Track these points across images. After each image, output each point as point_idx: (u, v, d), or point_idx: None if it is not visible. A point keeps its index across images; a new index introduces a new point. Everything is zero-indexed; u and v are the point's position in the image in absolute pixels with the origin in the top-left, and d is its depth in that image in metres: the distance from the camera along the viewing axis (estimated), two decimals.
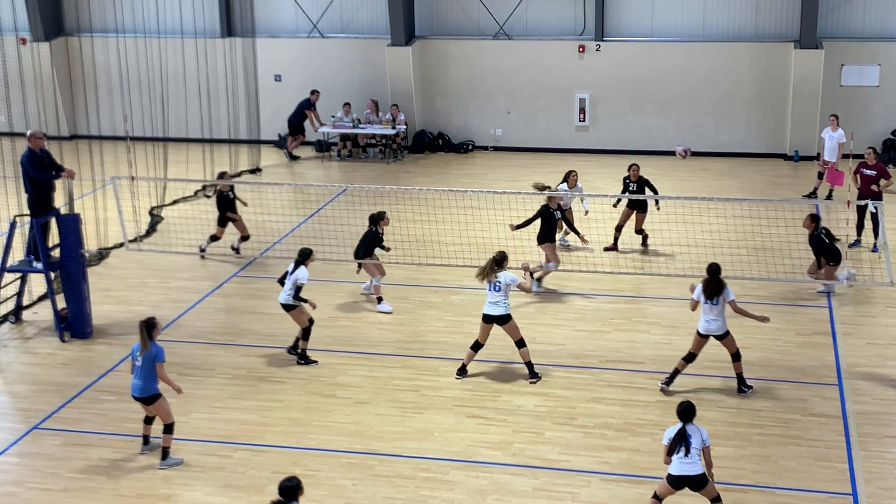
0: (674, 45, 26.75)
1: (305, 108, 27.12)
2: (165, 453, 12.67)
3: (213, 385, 14.76)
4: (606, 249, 19.58)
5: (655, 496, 11.18)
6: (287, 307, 15.21)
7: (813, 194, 22.87)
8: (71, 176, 16.49)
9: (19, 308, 17.23)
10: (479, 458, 12.75)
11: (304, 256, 15.25)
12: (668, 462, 11.03)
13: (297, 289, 15.00)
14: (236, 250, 19.92)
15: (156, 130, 25.74)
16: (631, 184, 19.39)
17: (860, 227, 19.56)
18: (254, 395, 14.48)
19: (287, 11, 28.69)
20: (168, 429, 12.65)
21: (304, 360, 15.35)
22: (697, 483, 10.96)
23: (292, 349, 15.56)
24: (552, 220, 17.61)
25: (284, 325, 16.75)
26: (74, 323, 16.44)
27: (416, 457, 12.76)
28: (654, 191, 19.44)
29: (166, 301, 17.86)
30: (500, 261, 14.54)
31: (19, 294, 17.22)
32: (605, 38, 26.99)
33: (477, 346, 14.71)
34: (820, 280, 16.99)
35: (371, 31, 28.38)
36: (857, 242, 19.53)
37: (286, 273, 15.28)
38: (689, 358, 14.11)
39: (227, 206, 19.74)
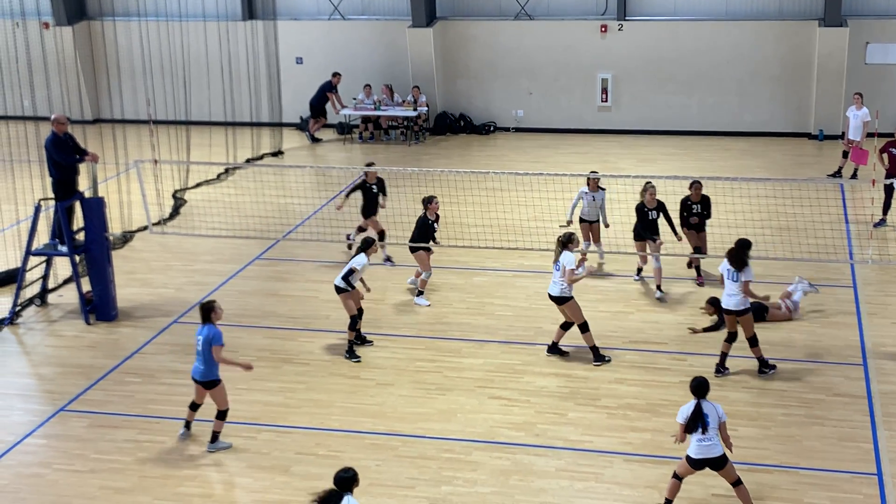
0: (697, 23, 26.56)
1: (327, 91, 27.13)
2: (215, 437, 12.64)
3: (237, 367, 14.79)
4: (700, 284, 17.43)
5: (676, 476, 11.18)
6: (338, 289, 15.01)
7: (837, 173, 22.70)
8: (95, 160, 16.56)
9: (45, 291, 17.36)
10: (501, 438, 12.77)
11: (367, 245, 14.94)
12: (683, 440, 11.00)
13: (350, 272, 14.78)
14: (349, 238, 18.88)
15: (178, 114, 25.84)
16: (694, 205, 17.21)
17: (887, 207, 19.40)
18: (277, 376, 14.55)
19: None
20: (222, 415, 12.59)
21: (350, 353, 14.94)
22: (718, 464, 10.94)
23: (352, 347, 15.07)
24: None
25: (307, 306, 16.83)
26: (99, 306, 16.55)
27: (439, 438, 12.80)
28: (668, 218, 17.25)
29: (190, 283, 17.95)
30: (564, 242, 14.42)
31: (45, 277, 17.34)
32: (627, 18, 26.83)
33: (563, 325, 14.74)
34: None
35: (392, 13, 28.33)
36: (882, 222, 19.39)
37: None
38: (731, 338, 14.04)
39: (365, 195, 18.49)
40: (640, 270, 17.55)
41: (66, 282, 17.79)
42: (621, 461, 12.19)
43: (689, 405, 10.96)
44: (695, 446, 10.90)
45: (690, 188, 17.14)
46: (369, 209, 18.52)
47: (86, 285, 16.70)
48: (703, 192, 17.24)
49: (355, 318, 15.00)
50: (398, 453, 12.44)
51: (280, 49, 27.12)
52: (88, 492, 11.95)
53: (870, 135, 21.42)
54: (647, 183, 16.93)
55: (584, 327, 14.48)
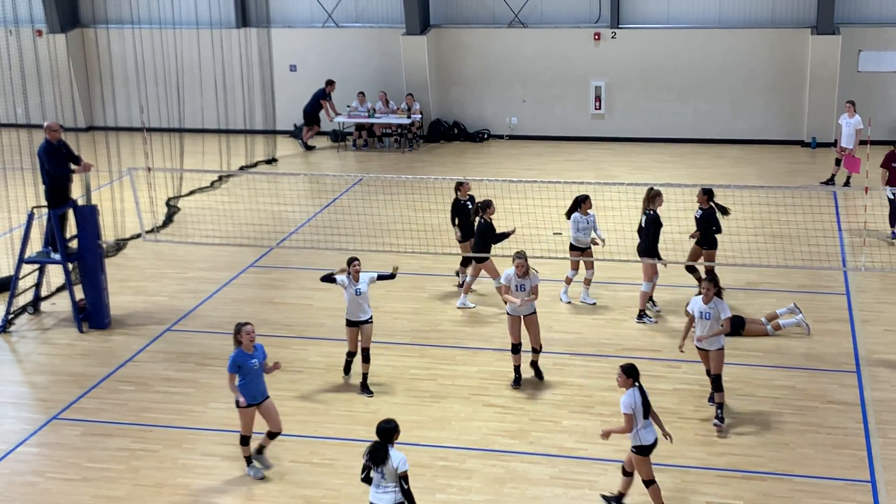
0: (690, 31, 26.62)
1: (321, 98, 27.14)
2: (260, 450, 12.37)
3: None
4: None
5: (628, 473, 11.30)
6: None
7: (830, 181, 22.75)
8: (87, 169, 16.56)
9: (38, 299, 17.32)
10: (496, 446, 12.77)
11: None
12: (631, 429, 10.92)
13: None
14: (458, 276, 17.73)
15: (172, 121, 25.81)
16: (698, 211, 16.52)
17: (894, 218, 19.29)
18: (272, 384, 14.41)
19: (302, 1, 28.67)
20: (242, 440, 12.20)
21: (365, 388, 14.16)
22: (654, 445, 11.12)
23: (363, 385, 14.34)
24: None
25: (302, 314, 16.81)
26: (92, 313, 16.51)
27: (433, 445, 12.78)
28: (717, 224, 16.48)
29: (183, 291, 17.93)
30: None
31: (37, 285, 17.30)
32: (620, 26, 26.89)
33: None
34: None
35: (386, 21, 28.35)
36: (894, 234, 19.27)
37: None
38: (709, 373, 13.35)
39: (461, 215, 17.35)
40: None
41: (59, 290, 17.76)
42: (615, 469, 12.15)
43: (631, 394, 10.89)
44: (646, 432, 10.96)
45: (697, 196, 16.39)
46: (468, 230, 17.21)
47: (79, 293, 16.67)
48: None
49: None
50: None
51: (274, 56, 27.12)
52: (82, 500, 11.91)
53: (862, 143, 21.46)
54: (651, 189, 16.05)
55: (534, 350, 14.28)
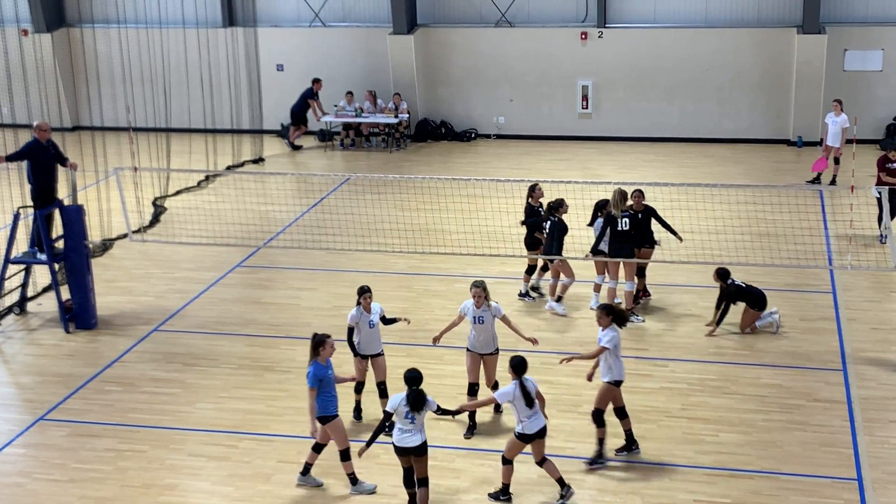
0: (676, 31, 26.67)
1: (308, 97, 27.10)
2: (353, 479, 11.94)
3: (218, 375, 14.78)
4: (637, 300, 16.62)
5: (508, 461, 11.55)
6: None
7: (817, 180, 22.83)
8: (73, 168, 16.52)
9: (24, 299, 17.26)
10: (484, 446, 12.77)
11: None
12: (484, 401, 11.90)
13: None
14: (536, 290, 17.36)
15: (158, 121, 25.74)
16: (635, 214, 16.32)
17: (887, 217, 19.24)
18: (259, 384, 14.50)
19: (289, 1, 28.63)
20: (342, 455, 11.85)
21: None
22: (544, 433, 11.43)
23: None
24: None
25: (289, 314, 16.79)
26: (79, 314, 16.46)
27: None
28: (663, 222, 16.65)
29: (171, 291, 17.88)
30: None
31: (24, 285, 17.24)
32: (607, 25, 26.92)
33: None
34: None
35: (373, 20, 28.33)
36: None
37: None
38: (619, 414, 12.51)
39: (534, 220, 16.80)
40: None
41: (45, 290, 17.69)
42: (603, 468, 12.20)
43: (511, 388, 11.23)
44: (529, 422, 11.23)
45: (631, 196, 16.12)
46: (535, 237, 16.83)
47: (65, 293, 16.62)
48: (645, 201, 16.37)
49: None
50: (380, 461, 12.40)
51: (261, 56, 27.07)
52: (69, 501, 11.88)
53: (848, 141, 21.55)
54: (635, 191, 16.14)
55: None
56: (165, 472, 12.40)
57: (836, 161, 22.44)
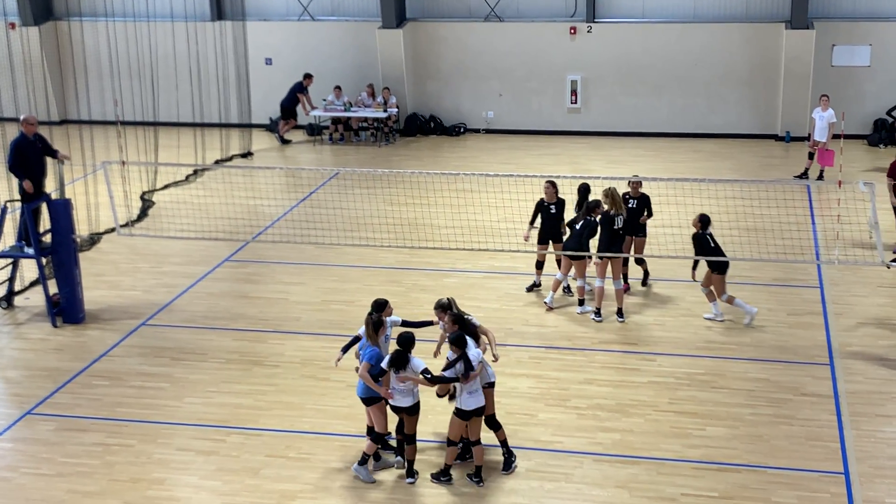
0: (665, 26, 26.71)
1: (298, 91, 27.07)
2: (364, 459, 11.95)
3: (207, 369, 14.76)
4: (627, 291, 16.83)
5: (456, 443, 11.73)
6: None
7: (804, 175, 22.90)
8: (65, 160, 16.48)
9: (11, 293, 17.20)
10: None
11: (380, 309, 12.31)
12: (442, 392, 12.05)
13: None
14: (567, 290, 16.94)
15: (146, 115, 25.68)
16: (630, 199, 16.77)
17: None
18: (247, 378, 14.49)
19: None
20: (375, 437, 11.90)
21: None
22: (482, 411, 11.71)
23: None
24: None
25: (277, 308, 16.77)
26: (66, 308, 16.41)
27: None
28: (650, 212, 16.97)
29: (158, 286, 17.85)
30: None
31: (11, 280, 17.18)
32: (596, 20, 26.94)
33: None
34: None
35: (362, 14, 28.30)
36: None
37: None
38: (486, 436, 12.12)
39: (546, 218, 16.60)
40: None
41: (32, 284, 17.64)
42: (591, 461, 12.23)
43: (476, 352, 11.60)
44: (469, 397, 11.43)
45: (628, 185, 16.58)
46: (547, 232, 16.61)
47: (53, 288, 16.56)
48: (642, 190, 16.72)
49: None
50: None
51: (249, 50, 27.03)
52: (56, 496, 11.85)
53: (835, 136, 21.61)
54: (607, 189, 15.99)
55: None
56: (153, 466, 12.38)
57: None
